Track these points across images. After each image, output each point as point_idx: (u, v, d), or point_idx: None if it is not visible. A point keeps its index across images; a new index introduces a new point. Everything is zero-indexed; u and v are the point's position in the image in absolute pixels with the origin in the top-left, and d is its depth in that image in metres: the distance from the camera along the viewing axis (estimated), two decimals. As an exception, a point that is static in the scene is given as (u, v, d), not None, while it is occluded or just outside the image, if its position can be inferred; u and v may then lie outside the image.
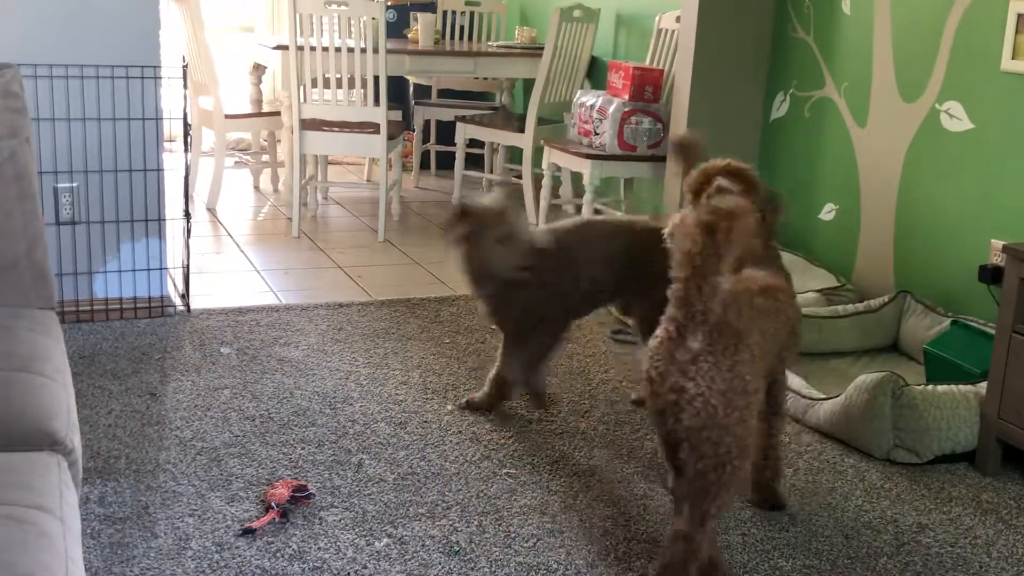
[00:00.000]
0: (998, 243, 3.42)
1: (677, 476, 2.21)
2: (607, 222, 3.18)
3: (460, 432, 2.98)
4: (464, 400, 3.16)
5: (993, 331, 3.03)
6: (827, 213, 4.26)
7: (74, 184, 3.59)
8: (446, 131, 6.61)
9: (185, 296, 3.88)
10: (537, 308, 3.03)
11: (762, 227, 2.48)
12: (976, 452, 2.93)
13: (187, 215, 3.85)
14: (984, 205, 3.53)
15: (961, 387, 2.96)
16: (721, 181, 2.48)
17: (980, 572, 2.41)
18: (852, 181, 4.12)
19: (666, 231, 2.05)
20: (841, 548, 2.48)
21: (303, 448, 2.83)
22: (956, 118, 3.63)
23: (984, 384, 2.93)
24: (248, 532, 2.39)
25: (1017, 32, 3.36)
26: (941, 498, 2.76)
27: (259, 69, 5.93)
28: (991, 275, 3.37)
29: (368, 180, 6.44)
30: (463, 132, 5.76)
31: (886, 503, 2.71)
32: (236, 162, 6.34)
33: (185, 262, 3.88)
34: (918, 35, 3.78)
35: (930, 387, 2.94)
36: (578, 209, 5.73)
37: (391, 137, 5.06)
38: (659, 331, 2.13)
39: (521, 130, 5.49)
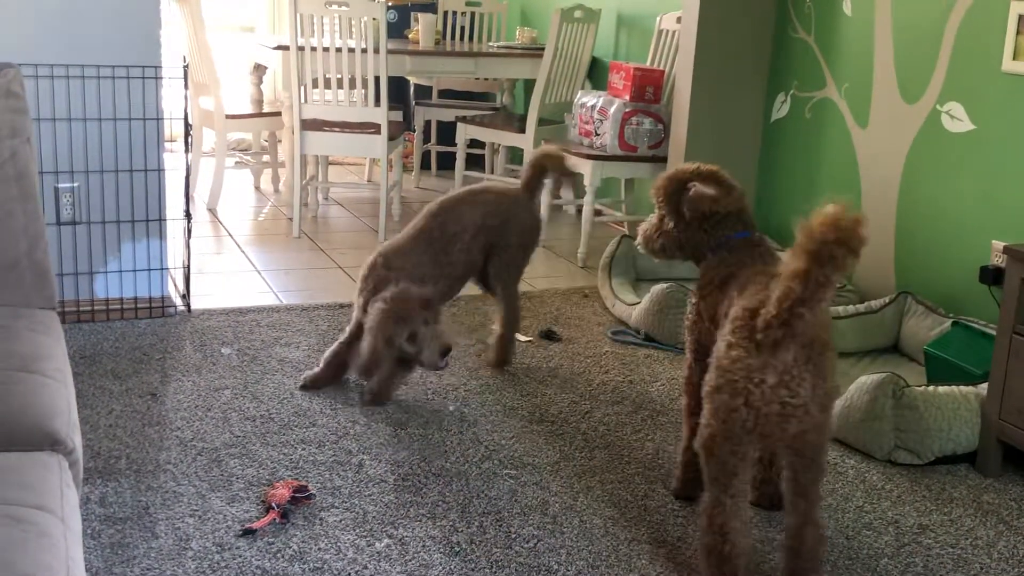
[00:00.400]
0: (999, 244, 3.42)
1: (738, 474, 2.20)
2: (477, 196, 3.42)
3: (461, 433, 2.98)
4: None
5: (994, 332, 3.03)
6: (828, 214, 4.25)
7: (75, 184, 3.59)
8: (447, 131, 6.61)
9: (186, 296, 3.88)
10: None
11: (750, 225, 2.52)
12: (977, 453, 2.93)
13: (188, 215, 3.85)
14: (985, 206, 3.53)
15: (962, 388, 2.96)
16: (698, 186, 2.48)
17: (981, 573, 2.41)
18: (853, 182, 4.12)
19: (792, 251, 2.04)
20: (842, 549, 2.48)
21: (304, 448, 2.83)
22: (957, 119, 3.63)
23: (985, 385, 2.93)
24: (249, 533, 2.39)
25: (1018, 33, 3.36)
26: (942, 499, 2.75)
27: (260, 69, 5.93)
28: (992, 276, 3.37)
29: (369, 180, 6.44)
30: (464, 132, 5.76)
31: (887, 504, 2.71)
32: (237, 162, 6.34)
33: (186, 262, 3.88)
34: (919, 36, 3.78)
35: (931, 388, 2.94)
36: (578, 210, 5.73)
37: (392, 137, 5.06)
38: (732, 342, 2.12)
39: (522, 131, 5.49)
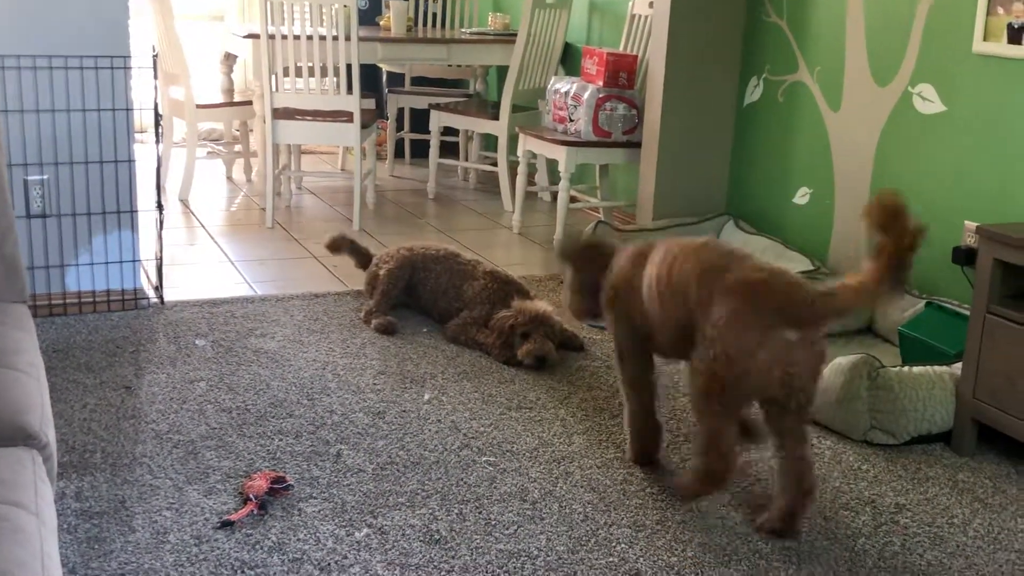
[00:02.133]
0: (971, 224, 3.44)
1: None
2: None
3: (439, 421, 2.98)
4: None
5: (967, 312, 3.05)
6: (801, 197, 4.27)
7: (44, 176, 3.55)
8: (420, 119, 6.58)
9: (159, 288, 3.85)
10: None
11: None
12: (952, 433, 2.95)
13: (159, 206, 3.82)
14: (957, 187, 3.55)
15: (936, 368, 2.98)
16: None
17: (957, 551, 2.44)
18: (826, 165, 4.13)
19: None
20: (820, 529, 2.50)
21: (281, 439, 2.82)
22: (928, 101, 3.65)
23: (959, 365, 2.95)
24: (226, 525, 2.38)
25: (988, 14, 3.37)
26: (918, 479, 2.78)
27: (230, 58, 5.88)
28: (965, 256, 3.39)
29: (342, 169, 6.41)
30: (437, 120, 5.74)
31: (863, 484, 2.73)
32: (208, 152, 6.29)
33: (158, 254, 3.85)
34: (890, 18, 3.79)
35: (906, 369, 2.96)
36: (553, 196, 5.73)
37: (364, 125, 5.04)
38: (734, 320, 2.32)
39: (496, 117, 5.48)
